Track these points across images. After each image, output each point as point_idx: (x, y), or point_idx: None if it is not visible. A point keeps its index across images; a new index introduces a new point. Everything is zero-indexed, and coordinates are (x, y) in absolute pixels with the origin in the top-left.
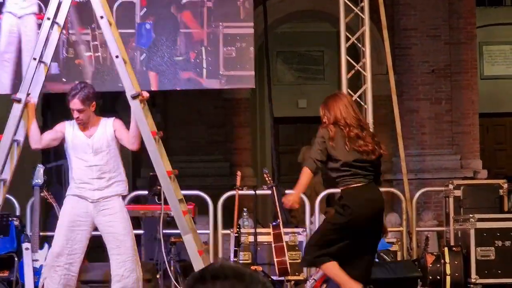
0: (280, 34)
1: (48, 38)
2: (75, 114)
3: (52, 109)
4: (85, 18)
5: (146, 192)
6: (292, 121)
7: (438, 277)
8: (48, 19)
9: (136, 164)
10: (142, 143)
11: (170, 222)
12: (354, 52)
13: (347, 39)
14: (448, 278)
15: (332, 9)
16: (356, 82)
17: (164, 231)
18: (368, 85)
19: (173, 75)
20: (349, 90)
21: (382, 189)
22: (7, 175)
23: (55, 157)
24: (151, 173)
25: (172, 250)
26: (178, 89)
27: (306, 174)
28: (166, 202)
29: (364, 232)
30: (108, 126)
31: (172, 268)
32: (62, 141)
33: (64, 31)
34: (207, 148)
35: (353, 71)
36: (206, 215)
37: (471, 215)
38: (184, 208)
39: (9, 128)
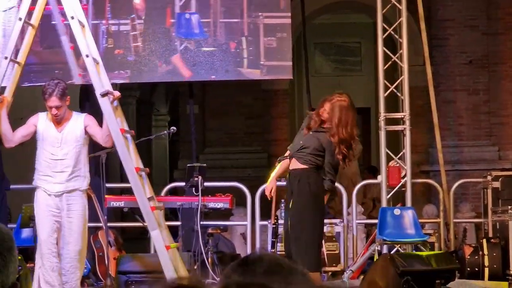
0: (318, 25)
1: (22, 38)
2: (53, 111)
3: (90, 100)
4: (124, 8)
5: (183, 184)
6: None
7: (476, 269)
8: (20, 19)
9: (173, 156)
10: None
11: (208, 214)
12: (391, 43)
13: (384, 30)
14: (486, 270)
15: (369, 0)
16: (392, 73)
17: (201, 222)
18: (405, 76)
19: (210, 66)
20: (385, 82)
21: (419, 180)
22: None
23: (93, 148)
24: (188, 165)
25: (209, 241)
26: (216, 79)
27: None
28: (203, 194)
29: None
30: (79, 121)
31: (209, 259)
32: (34, 134)
33: (103, 22)
34: (245, 139)
35: (390, 63)
36: (244, 206)
37: (509, 207)
38: (153, 204)
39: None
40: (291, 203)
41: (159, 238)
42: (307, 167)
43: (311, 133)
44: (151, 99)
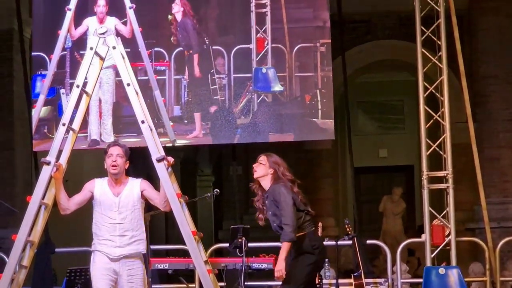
0: (360, 84)
1: (78, 105)
2: (113, 158)
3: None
4: (204, 65)
5: (227, 245)
6: (373, 171)
7: None
8: (77, 86)
9: (217, 216)
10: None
11: (252, 274)
12: (434, 101)
13: (425, 88)
14: None
15: (411, 58)
16: (435, 130)
17: (246, 283)
18: (447, 135)
19: (253, 128)
20: (427, 140)
21: (464, 239)
22: (35, 238)
23: None
24: (232, 226)
25: None
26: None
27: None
28: (247, 255)
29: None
30: (135, 186)
31: None
32: (90, 200)
33: (185, 76)
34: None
35: (431, 121)
36: None
37: None
38: (208, 268)
39: (37, 191)
40: None
41: None
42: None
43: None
44: (195, 159)
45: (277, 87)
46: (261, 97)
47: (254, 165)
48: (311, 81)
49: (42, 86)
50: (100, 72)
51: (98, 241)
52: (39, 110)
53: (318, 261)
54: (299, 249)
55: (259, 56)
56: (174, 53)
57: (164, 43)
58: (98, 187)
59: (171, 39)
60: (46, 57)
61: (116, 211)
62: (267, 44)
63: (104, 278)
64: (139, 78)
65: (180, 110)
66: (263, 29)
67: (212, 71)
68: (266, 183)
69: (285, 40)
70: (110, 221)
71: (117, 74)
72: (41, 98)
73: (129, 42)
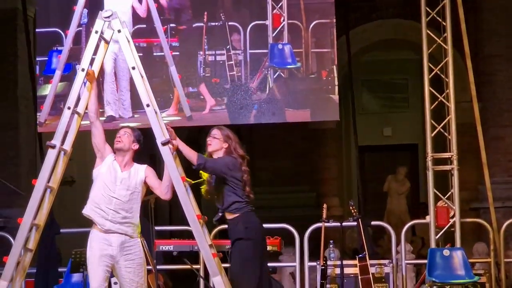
0: (365, 62)
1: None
2: (120, 134)
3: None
4: (220, 39)
5: None
6: (378, 149)
7: None
8: (83, 70)
9: None
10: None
11: None
12: (438, 80)
13: (430, 70)
14: None
15: (415, 37)
16: (440, 110)
17: None
18: (452, 116)
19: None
20: (432, 121)
21: (469, 220)
22: (40, 221)
23: None
24: None
25: None
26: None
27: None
28: None
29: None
30: (140, 171)
31: None
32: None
33: (201, 52)
34: (293, 179)
35: (436, 103)
36: (293, 246)
37: None
38: (213, 251)
39: (42, 174)
40: None
41: (221, 284)
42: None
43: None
44: (198, 139)
45: (293, 63)
46: (277, 73)
47: (208, 139)
48: (327, 57)
49: (58, 62)
50: (105, 55)
51: (91, 207)
52: (55, 86)
53: (257, 243)
54: (234, 234)
55: (275, 32)
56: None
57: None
58: (110, 158)
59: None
60: (62, 33)
61: (118, 185)
62: (283, 20)
63: (101, 264)
64: (154, 54)
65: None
66: (279, 5)
67: (228, 46)
68: (219, 156)
69: (301, 16)
70: (109, 192)
71: None
72: (57, 74)
73: (144, 19)
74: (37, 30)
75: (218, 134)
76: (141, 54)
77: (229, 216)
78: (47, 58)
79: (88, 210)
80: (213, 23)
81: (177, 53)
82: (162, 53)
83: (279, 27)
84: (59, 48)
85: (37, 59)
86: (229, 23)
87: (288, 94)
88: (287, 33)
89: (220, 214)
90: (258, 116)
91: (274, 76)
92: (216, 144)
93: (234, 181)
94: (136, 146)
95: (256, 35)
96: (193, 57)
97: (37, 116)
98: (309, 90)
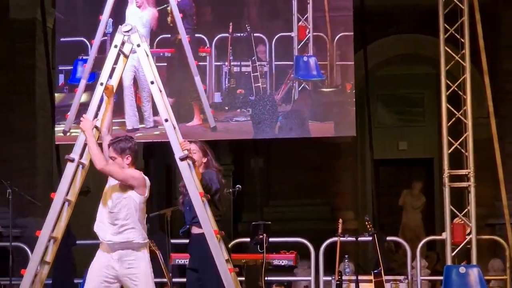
0: (380, 76)
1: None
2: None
3: (154, 157)
4: (246, 51)
5: (246, 239)
6: (393, 163)
7: None
8: (101, 84)
9: (236, 208)
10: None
11: (272, 270)
12: (455, 96)
13: (448, 86)
14: None
15: (432, 52)
16: (456, 125)
17: (266, 278)
18: (469, 133)
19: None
20: (449, 138)
21: (485, 237)
22: (58, 234)
23: (157, 206)
24: (253, 223)
25: None
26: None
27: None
28: (268, 251)
29: None
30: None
31: None
32: None
33: (226, 63)
34: (309, 192)
35: (453, 119)
36: (308, 259)
37: None
38: (230, 266)
39: (61, 188)
40: None
41: None
42: None
43: None
44: (215, 148)
45: (319, 76)
46: (302, 85)
47: (193, 156)
48: (351, 70)
49: (83, 71)
50: (123, 69)
51: (96, 221)
52: (80, 95)
53: None
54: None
55: (301, 44)
56: (215, 39)
57: (205, 29)
58: None
59: None
60: (87, 42)
61: (110, 198)
62: (309, 32)
63: (99, 275)
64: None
65: (221, 97)
66: (305, 17)
67: (253, 58)
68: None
69: (327, 29)
70: (105, 208)
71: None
72: (82, 83)
73: (170, 29)
74: (62, 39)
75: (196, 148)
76: (166, 64)
77: (196, 231)
78: (72, 67)
79: (95, 226)
80: (238, 34)
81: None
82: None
83: (305, 40)
84: (85, 57)
85: (62, 67)
86: (255, 34)
87: (312, 106)
88: (312, 45)
89: (188, 226)
90: (282, 128)
91: (299, 88)
92: (197, 158)
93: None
94: (129, 159)
95: (282, 46)
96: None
97: (55, 127)
98: (334, 103)
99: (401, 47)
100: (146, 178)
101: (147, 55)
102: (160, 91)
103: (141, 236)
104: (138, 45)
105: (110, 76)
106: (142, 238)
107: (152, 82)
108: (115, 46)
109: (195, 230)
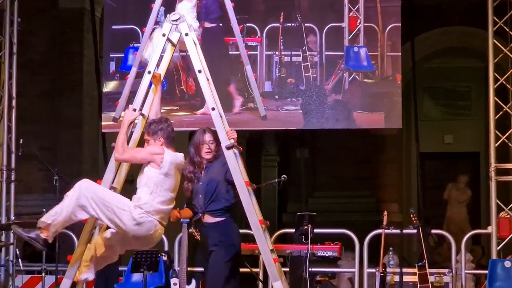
0: (427, 69)
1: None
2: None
3: None
4: (296, 40)
5: (291, 230)
6: (439, 157)
7: None
8: (149, 72)
9: (281, 198)
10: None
11: (316, 261)
12: (503, 89)
13: (496, 80)
14: None
15: (480, 45)
16: (503, 119)
17: (310, 269)
18: None
19: (321, 115)
20: (496, 132)
21: None
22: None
23: None
24: (298, 213)
25: None
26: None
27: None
28: (312, 242)
29: None
30: None
31: None
32: None
33: (277, 53)
34: (354, 184)
35: (501, 112)
36: (352, 251)
37: None
38: (274, 256)
39: (107, 176)
40: None
41: None
42: None
43: None
44: (261, 138)
45: (369, 67)
46: (353, 76)
47: (211, 146)
48: (400, 61)
49: (134, 59)
50: (171, 58)
51: None
52: (130, 82)
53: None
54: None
55: (351, 35)
56: (266, 29)
57: (257, 18)
58: None
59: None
60: (139, 30)
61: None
62: (360, 23)
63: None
64: (230, 53)
65: (271, 86)
66: (356, 7)
67: (304, 48)
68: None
69: (378, 19)
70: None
71: None
72: (133, 71)
73: (221, 17)
74: (113, 26)
75: (212, 139)
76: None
77: (210, 219)
78: (123, 55)
79: None
80: (289, 24)
81: (256, 52)
82: (238, 52)
83: (355, 30)
84: (136, 45)
85: (113, 55)
86: (305, 24)
87: (362, 97)
88: (363, 35)
89: (200, 215)
90: (329, 119)
91: (349, 79)
92: (214, 149)
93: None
94: (160, 140)
95: (332, 37)
96: None
97: (102, 115)
98: (384, 94)
99: (449, 40)
100: (168, 153)
101: (195, 44)
102: (207, 80)
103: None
104: (186, 34)
105: (158, 65)
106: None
107: (199, 71)
108: (163, 35)
109: (208, 219)
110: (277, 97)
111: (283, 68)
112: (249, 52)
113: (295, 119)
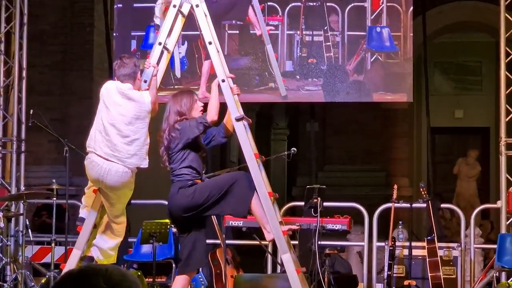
0: (438, 44)
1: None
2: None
3: None
4: (318, 20)
5: (300, 203)
6: (449, 131)
7: None
8: (160, 44)
9: (291, 172)
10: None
11: (325, 234)
12: None
13: (507, 54)
14: None
15: (491, 20)
16: None
17: (319, 242)
18: None
19: (332, 87)
20: (507, 106)
21: None
22: None
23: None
24: (308, 186)
25: (326, 261)
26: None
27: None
28: (321, 215)
29: None
30: None
31: (326, 280)
32: None
33: (298, 32)
34: (364, 158)
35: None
36: (362, 225)
37: None
38: (284, 229)
39: None
40: None
41: (290, 261)
42: None
43: None
44: (271, 112)
45: (392, 47)
46: (375, 56)
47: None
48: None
49: (155, 37)
50: (181, 29)
51: None
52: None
53: None
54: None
55: (374, 15)
56: (288, 8)
57: None
58: None
59: None
60: None
61: None
62: (383, 2)
63: None
64: (251, 32)
65: (292, 66)
66: None
67: (325, 27)
68: None
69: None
70: None
71: None
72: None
73: None
74: (135, 5)
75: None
76: (237, 32)
77: None
78: (144, 33)
79: None
80: (311, 3)
81: (277, 32)
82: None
83: (378, 10)
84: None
85: (134, 33)
86: (327, 4)
87: (385, 77)
88: (386, 15)
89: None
90: (353, 98)
91: (372, 59)
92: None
93: None
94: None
95: (354, 17)
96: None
97: None
98: (406, 74)
99: (460, 14)
100: None
101: (206, 15)
102: (218, 52)
103: None
104: (197, 5)
105: (169, 36)
106: None
107: (210, 43)
108: (174, 6)
109: None
110: (298, 77)
111: (304, 48)
112: (270, 32)
113: (316, 99)
